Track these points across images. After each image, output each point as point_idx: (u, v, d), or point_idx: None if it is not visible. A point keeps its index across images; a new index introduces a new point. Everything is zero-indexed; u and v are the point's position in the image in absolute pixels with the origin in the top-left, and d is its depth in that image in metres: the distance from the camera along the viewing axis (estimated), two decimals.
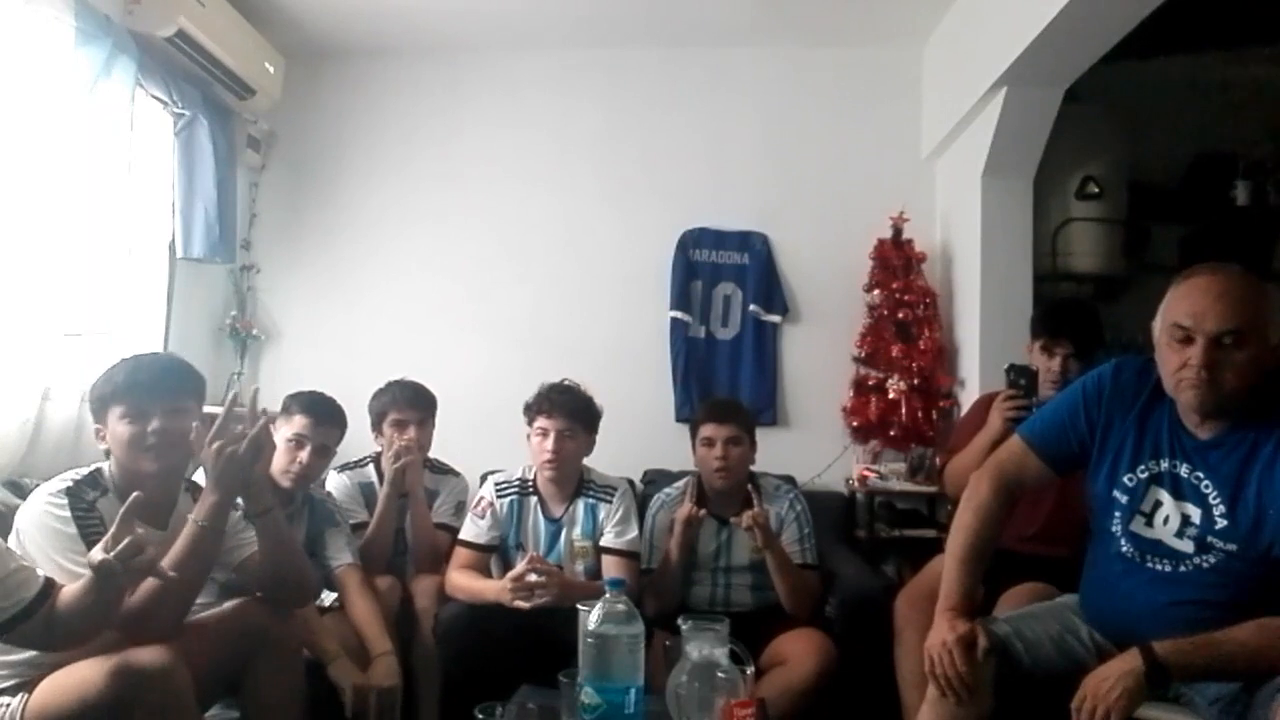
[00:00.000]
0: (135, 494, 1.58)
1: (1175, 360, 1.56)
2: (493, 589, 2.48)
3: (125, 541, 1.48)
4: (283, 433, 2.43)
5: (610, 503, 2.66)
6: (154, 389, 1.85)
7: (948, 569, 1.72)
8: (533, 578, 2.40)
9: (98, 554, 1.48)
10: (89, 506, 1.77)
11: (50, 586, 1.56)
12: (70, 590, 1.55)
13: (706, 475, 2.68)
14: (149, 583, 1.65)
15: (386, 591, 2.53)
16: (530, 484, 2.71)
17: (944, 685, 1.59)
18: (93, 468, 1.87)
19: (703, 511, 2.60)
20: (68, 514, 1.74)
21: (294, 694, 1.92)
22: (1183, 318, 1.55)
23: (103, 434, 1.87)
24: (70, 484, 1.79)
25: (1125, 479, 1.67)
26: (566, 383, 2.67)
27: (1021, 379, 2.31)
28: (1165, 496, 1.63)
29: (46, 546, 1.71)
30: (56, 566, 1.67)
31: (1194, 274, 1.59)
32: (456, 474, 3.01)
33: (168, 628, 1.70)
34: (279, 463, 2.40)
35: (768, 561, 2.54)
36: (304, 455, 2.41)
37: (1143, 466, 1.65)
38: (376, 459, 2.88)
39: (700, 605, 2.62)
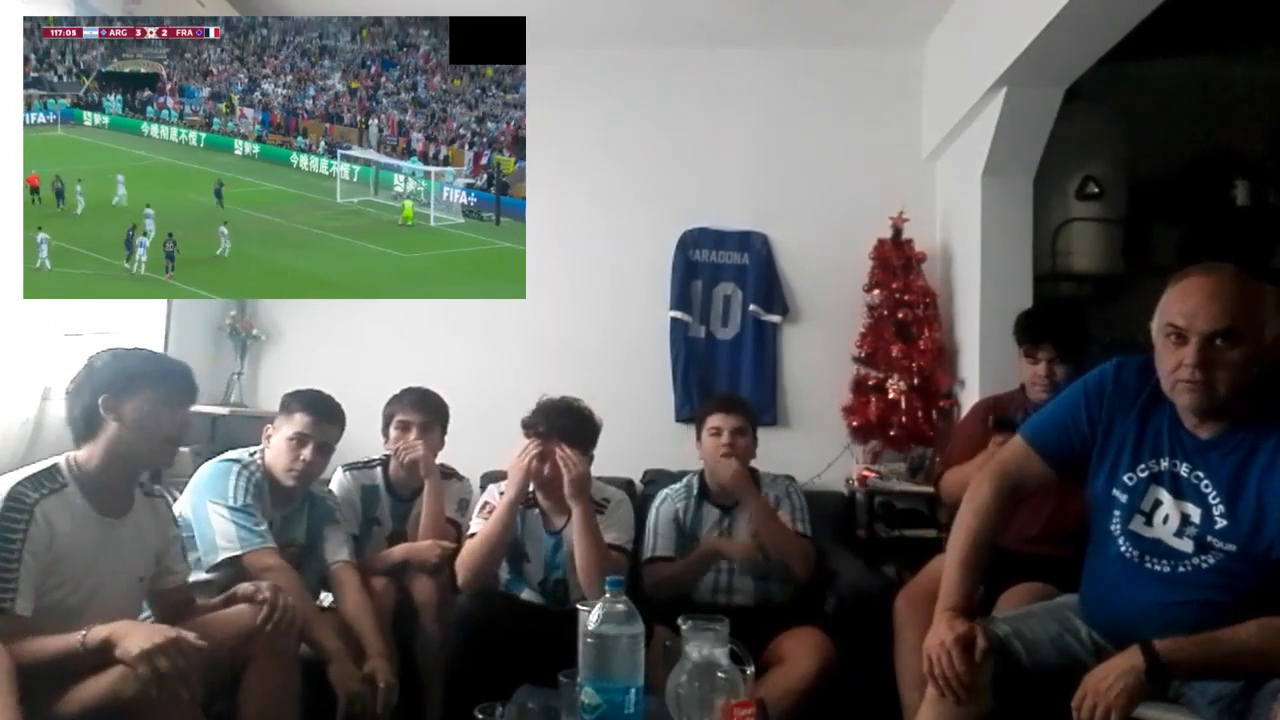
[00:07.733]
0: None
1: (1170, 360, 1.56)
2: (502, 503, 2.52)
3: None
4: (284, 431, 2.41)
5: (604, 514, 2.62)
6: (190, 389, 1.93)
7: (948, 569, 1.72)
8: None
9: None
10: (24, 509, 1.65)
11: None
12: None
13: (710, 466, 2.70)
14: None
15: (382, 592, 2.50)
16: (531, 496, 2.68)
17: (943, 685, 1.58)
18: (49, 464, 1.77)
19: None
20: None
21: (288, 695, 1.90)
22: (1176, 318, 1.55)
23: (111, 406, 1.78)
24: (15, 484, 1.68)
25: (1125, 478, 1.66)
26: (566, 400, 2.63)
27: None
28: (1165, 496, 1.62)
29: None
30: None
31: (1188, 274, 1.59)
32: (461, 478, 3.00)
33: None
34: (281, 462, 2.39)
35: (763, 535, 2.60)
36: (306, 453, 2.39)
37: (1143, 466, 1.65)
38: (385, 462, 2.86)
39: (702, 593, 2.65)
